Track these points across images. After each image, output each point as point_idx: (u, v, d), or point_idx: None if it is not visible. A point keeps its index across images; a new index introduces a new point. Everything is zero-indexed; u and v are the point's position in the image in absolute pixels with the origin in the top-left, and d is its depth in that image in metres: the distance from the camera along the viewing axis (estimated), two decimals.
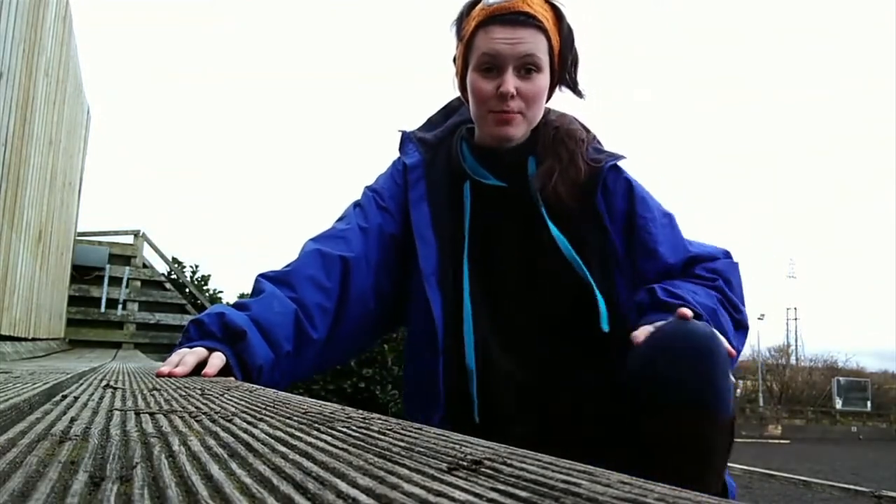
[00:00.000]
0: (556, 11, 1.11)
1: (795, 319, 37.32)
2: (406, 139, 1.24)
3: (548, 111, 1.20)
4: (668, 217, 1.18)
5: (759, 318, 29.30)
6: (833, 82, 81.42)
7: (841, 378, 26.76)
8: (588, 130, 1.21)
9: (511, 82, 1.07)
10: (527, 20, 1.07)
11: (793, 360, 32.32)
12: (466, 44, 1.12)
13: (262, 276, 1.09)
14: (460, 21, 1.14)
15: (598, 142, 1.21)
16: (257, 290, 1.07)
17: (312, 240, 1.17)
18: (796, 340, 35.86)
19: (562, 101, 1.21)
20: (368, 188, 1.24)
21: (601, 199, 1.14)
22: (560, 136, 1.16)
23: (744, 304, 1.13)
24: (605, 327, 1.06)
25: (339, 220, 1.22)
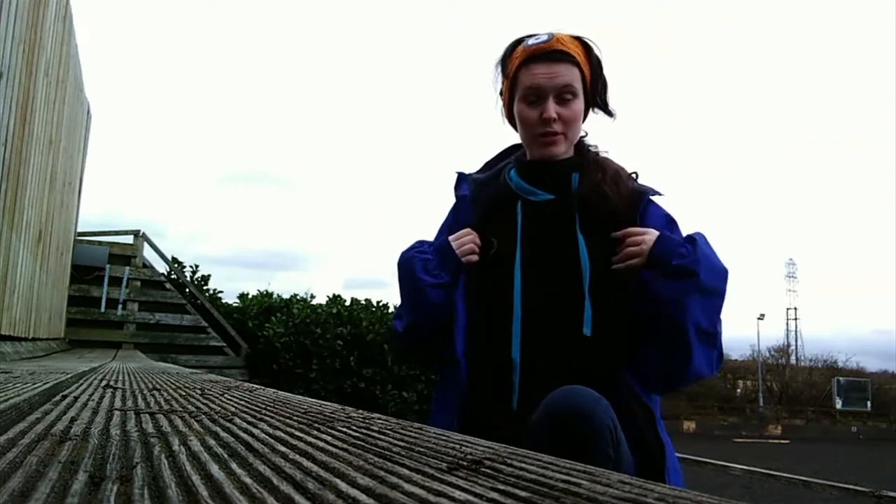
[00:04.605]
0: (584, 46, 1.30)
1: (795, 319, 37.44)
2: (461, 179, 1.42)
3: (586, 143, 1.37)
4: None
5: (759, 318, 29.34)
6: (833, 81, 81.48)
7: (841, 378, 26.72)
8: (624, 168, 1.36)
9: (552, 109, 1.26)
10: (562, 57, 1.26)
11: (793, 360, 32.34)
12: (511, 80, 1.31)
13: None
14: (504, 60, 1.33)
15: (636, 175, 1.36)
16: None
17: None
18: (796, 340, 35.93)
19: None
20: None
21: (638, 222, 1.25)
22: (601, 158, 1.34)
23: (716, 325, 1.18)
24: (587, 331, 1.18)
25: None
